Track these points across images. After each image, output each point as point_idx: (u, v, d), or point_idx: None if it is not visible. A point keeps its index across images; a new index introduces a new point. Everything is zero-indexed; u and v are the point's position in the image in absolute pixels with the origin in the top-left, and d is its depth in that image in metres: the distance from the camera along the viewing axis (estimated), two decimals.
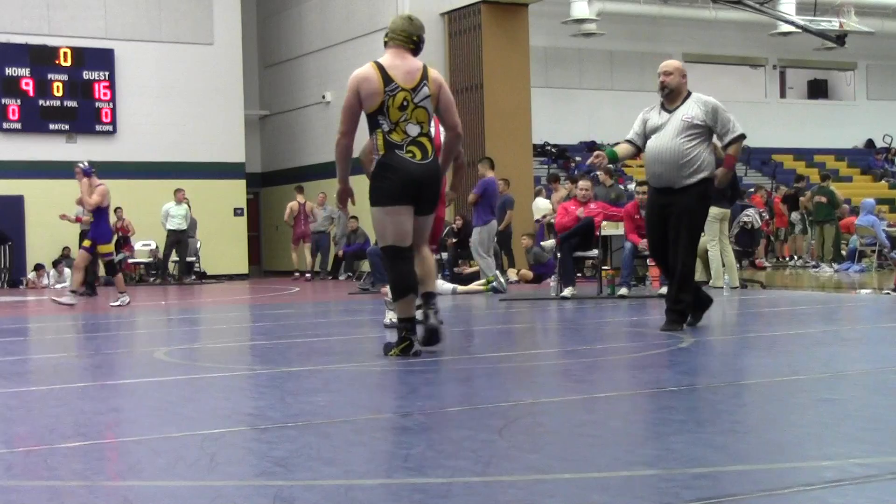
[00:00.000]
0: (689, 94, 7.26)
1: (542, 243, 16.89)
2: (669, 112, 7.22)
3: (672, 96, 7.23)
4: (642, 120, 7.38)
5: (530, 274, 16.73)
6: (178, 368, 5.85)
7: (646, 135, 7.31)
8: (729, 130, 7.15)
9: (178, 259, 21.58)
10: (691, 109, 7.14)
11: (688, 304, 7.18)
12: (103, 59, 22.57)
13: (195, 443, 3.42)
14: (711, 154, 7.23)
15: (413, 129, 5.85)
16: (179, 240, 21.13)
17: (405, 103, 5.87)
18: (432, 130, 6.00)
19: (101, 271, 17.45)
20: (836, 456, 3.02)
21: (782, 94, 31.55)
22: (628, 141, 7.43)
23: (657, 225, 7.28)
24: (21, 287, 21.40)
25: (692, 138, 7.08)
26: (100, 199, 13.17)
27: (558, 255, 11.95)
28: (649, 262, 13.07)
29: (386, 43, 6.15)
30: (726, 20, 27.22)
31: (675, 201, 7.10)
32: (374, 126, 5.88)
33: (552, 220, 16.54)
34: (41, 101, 22.08)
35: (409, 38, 6.14)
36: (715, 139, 7.33)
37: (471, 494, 2.68)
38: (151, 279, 22.17)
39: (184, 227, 20.96)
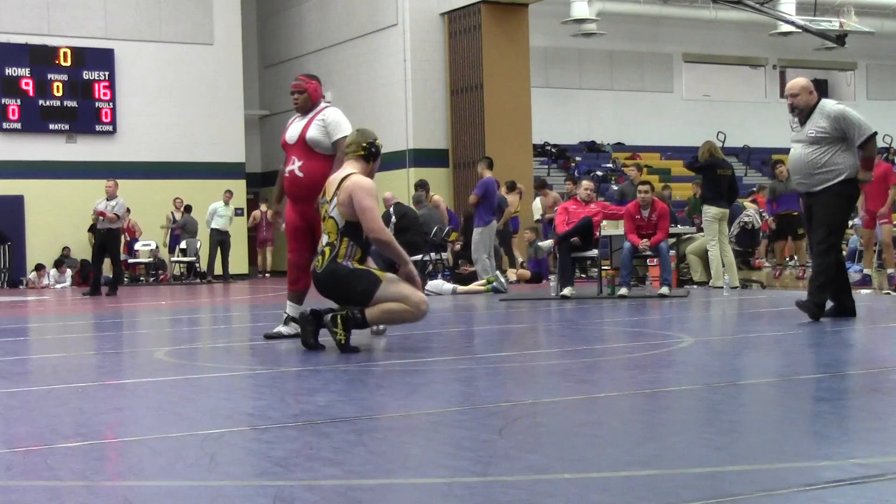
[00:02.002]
0: (817, 103, 7.54)
1: (539, 243, 16.90)
2: (802, 125, 7.57)
3: (803, 113, 7.55)
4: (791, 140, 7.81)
5: (528, 273, 16.72)
6: (178, 368, 5.85)
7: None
8: (857, 135, 7.38)
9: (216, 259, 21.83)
10: (817, 123, 7.43)
11: (821, 303, 7.45)
12: (103, 59, 22.58)
13: (195, 443, 3.42)
14: (848, 155, 7.43)
15: (323, 239, 6.22)
16: (223, 240, 21.27)
17: (324, 215, 6.23)
18: (339, 242, 6.14)
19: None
20: (836, 456, 3.02)
21: (782, 94, 31.49)
22: None
23: (811, 224, 7.69)
24: (21, 287, 21.41)
25: (819, 147, 7.41)
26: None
27: (556, 255, 11.95)
28: (649, 262, 13.10)
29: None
30: (726, 20, 27.23)
31: (814, 202, 7.51)
32: None
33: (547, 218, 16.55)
34: (41, 101, 22.09)
35: (359, 146, 6.31)
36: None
37: (471, 494, 2.68)
38: (151, 279, 22.19)
39: (228, 227, 21.20)
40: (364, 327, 6.14)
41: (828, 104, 7.56)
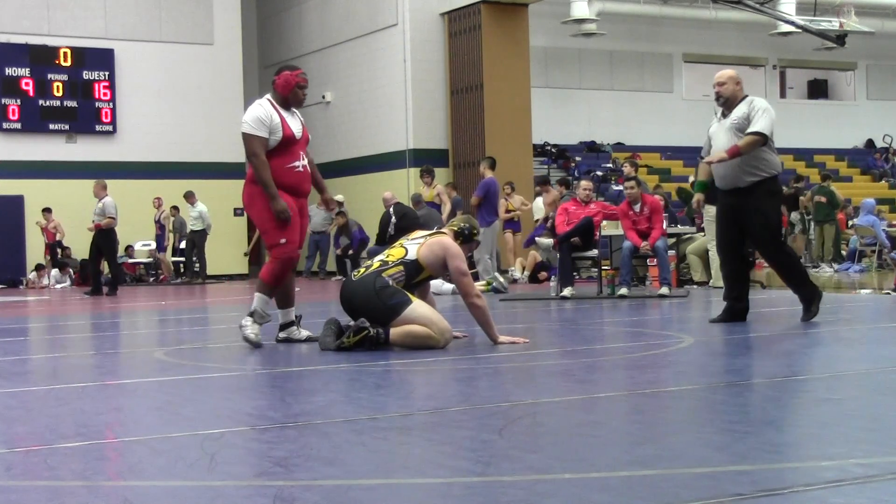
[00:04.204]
0: (744, 98, 7.50)
1: (537, 238, 16.87)
2: (726, 118, 7.50)
3: (728, 104, 7.49)
4: (708, 134, 7.71)
5: (537, 256, 16.60)
6: (178, 368, 5.85)
7: (709, 142, 7.65)
8: (755, 123, 7.29)
9: (184, 259, 21.71)
10: (740, 111, 7.39)
11: (813, 293, 7.51)
12: (103, 59, 22.58)
13: (195, 443, 3.42)
14: (771, 154, 7.43)
15: (379, 257, 6.49)
16: (191, 238, 21.19)
17: (396, 244, 6.59)
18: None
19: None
20: (836, 456, 3.02)
21: (782, 94, 31.55)
22: (702, 158, 7.78)
23: (727, 223, 7.57)
24: (21, 287, 21.41)
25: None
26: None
27: (557, 255, 11.96)
28: (649, 262, 13.09)
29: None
30: (726, 20, 27.22)
31: (744, 203, 7.37)
32: None
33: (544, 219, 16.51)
34: (41, 101, 22.09)
35: (459, 225, 6.66)
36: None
37: (471, 494, 2.68)
38: (151, 279, 22.19)
39: (198, 227, 20.99)
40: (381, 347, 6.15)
41: (756, 98, 7.55)
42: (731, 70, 7.75)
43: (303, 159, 6.79)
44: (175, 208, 22.21)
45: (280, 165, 6.69)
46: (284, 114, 6.75)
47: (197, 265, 21.63)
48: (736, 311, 7.60)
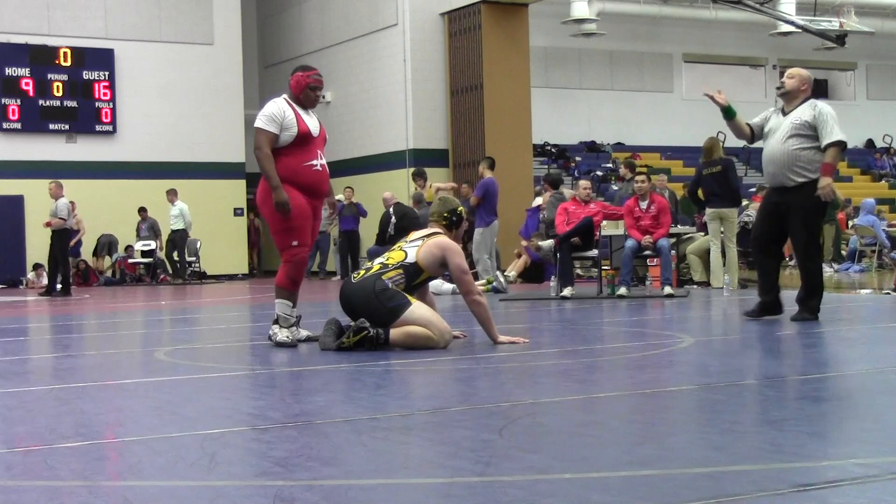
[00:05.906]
0: (806, 100, 7.58)
1: (539, 243, 16.83)
2: (785, 115, 7.57)
3: (787, 98, 7.60)
4: (764, 116, 7.80)
5: (528, 259, 16.54)
6: (178, 368, 5.85)
7: (763, 133, 7.74)
8: (825, 135, 7.38)
9: (176, 258, 21.65)
10: (803, 113, 7.47)
11: (816, 307, 7.63)
12: (103, 59, 22.58)
13: (195, 443, 3.42)
14: (820, 156, 7.47)
15: (378, 260, 6.50)
16: (172, 238, 21.14)
17: (396, 247, 6.60)
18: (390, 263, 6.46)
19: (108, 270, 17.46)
20: (836, 456, 3.02)
21: None
22: (748, 124, 7.84)
23: (767, 219, 7.71)
24: (21, 287, 21.40)
25: (801, 140, 7.44)
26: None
27: (557, 255, 11.95)
28: (649, 262, 13.10)
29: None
30: (726, 20, 27.23)
31: (788, 200, 7.50)
32: None
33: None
34: (41, 101, 22.09)
35: (441, 216, 6.65)
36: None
37: (471, 494, 2.68)
38: (151, 279, 22.18)
39: (178, 226, 20.90)
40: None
41: (819, 101, 7.63)
42: (806, 71, 7.81)
43: (320, 158, 6.79)
44: (143, 210, 22.02)
45: (297, 163, 6.67)
46: (300, 111, 6.79)
47: (180, 264, 21.54)
48: (769, 305, 7.73)
